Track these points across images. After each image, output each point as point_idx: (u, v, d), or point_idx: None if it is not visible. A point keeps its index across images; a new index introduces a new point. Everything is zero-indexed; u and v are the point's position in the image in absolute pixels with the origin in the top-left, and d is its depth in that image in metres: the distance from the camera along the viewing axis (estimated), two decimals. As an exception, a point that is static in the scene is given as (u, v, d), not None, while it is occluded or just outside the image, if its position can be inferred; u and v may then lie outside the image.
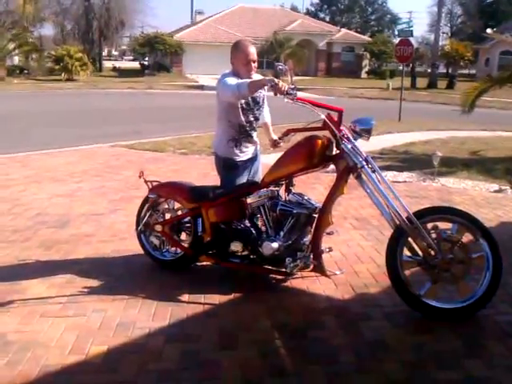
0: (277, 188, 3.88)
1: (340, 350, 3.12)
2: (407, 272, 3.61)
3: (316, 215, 3.76)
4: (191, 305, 3.69)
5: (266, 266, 3.96)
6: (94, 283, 4.02)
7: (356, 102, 24.77)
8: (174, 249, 4.37)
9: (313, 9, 74.34)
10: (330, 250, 3.94)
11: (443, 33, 53.77)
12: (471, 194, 7.00)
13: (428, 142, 11.30)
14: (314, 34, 48.29)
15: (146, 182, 4.34)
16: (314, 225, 3.77)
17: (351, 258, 4.59)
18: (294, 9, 67.63)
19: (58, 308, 3.62)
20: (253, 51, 3.94)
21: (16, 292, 3.84)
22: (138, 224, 4.41)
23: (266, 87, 3.72)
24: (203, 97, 22.79)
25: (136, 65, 47.73)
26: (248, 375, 2.88)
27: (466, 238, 3.55)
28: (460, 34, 60.73)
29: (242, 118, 4.00)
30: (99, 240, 4.98)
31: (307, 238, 3.83)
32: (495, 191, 7.18)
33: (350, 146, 3.55)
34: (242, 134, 4.05)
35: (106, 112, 17.79)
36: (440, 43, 40.09)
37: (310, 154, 3.65)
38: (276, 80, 3.46)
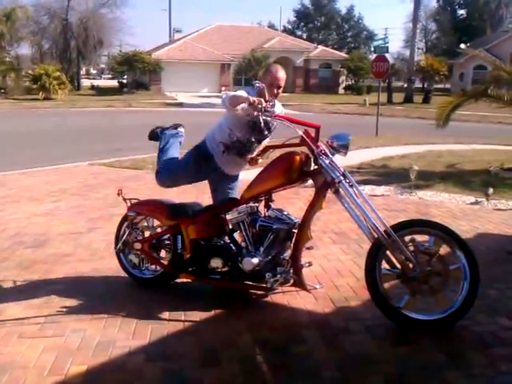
0: (256, 204, 3.89)
1: (322, 365, 3.12)
2: (386, 285, 3.64)
3: (295, 230, 3.76)
4: (172, 322, 3.67)
5: (247, 282, 3.95)
6: (73, 303, 3.98)
7: (334, 118, 25.01)
8: (153, 266, 4.34)
9: (290, 26, 75.26)
10: (310, 264, 3.96)
11: (418, 48, 54.84)
12: (448, 206, 7.09)
13: (405, 156, 11.43)
14: (292, 51, 48.78)
15: (124, 199, 4.33)
16: (293, 240, 3.78)
17: (331, 271, 4.61)
18: (271, 27, 68.35)
19: (36, 329, 3.56)
20: (282, 76, 3.91)
21: (-7, 313, 3.78)
22: (117, 242, 4.39)
23: (245, 104, 3.66)
24: (182, 114, 22.78)
25: (114, 83, 47.58)
26: (230, 392, 2.87)
27: (443, 249, 3.58)
28: (435, 50, 61.96)
29: (243, 134, 3.93)
30: (78, 259, 4.93)
31: (287, 253, 3.84)
32: (472, 203, 7.28)
33: (327, 162, 3.59)
34: (234, 147, 3.97)
35: (84, 131, 17.70)
36: (415, 58, 40.81)
37: (288, 170, 3.68)
38: (252, 99, 3.49)
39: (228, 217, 3.88)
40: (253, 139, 3.95)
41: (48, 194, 7.67)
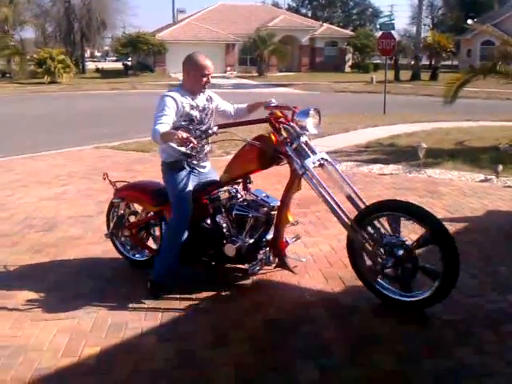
0: (235, 187, 3.87)
1: (332, 344, 3.14)
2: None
3: (275, 212, 3.73)
4: (182, 303, 3.70)
5: (232, 265, 3.94)
6: (85, 285, 4.02)
7: (340, 96, 24.89)
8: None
9: (294, 4, 74.35)
10: (298, 238, 4.02)
11: (425, 25, 54.05)
12: (457, 184, 7.06)
13: (413, 134, 11.35)
14: (297, 29, 48.32)
15: (111, 183, 4.37)
16: (274, 222, 3.76)
17: (341, 251, 4.58)
18: (275, 5, 67.65)
19: (48, 311, 3.60)
20: (210, 63, 3.73)
21: (6, 297, 3.82)
22: (108, 227, 4.45)
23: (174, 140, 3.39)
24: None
25: (119, 65, 47.44)
26: (241, 372, 2.90)
27: (416, 232, 3.51)
28: (441, 26, 61.14)
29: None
30: (88, 242, 4.96)
31: (270, 235, 3.82)
32: (481, 181, 7.24)
33: (294, 147, 3.55)
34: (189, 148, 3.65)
35: (89, 114, 17.70)
36: (422, 35, 40.24)
37: (259, 155, 3.65)
38: (180, 136, 3.26)
39: (209, 201, 3.88)
40: (198, 133, 3.65)
41: (56, 178, 7.69)
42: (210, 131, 3.56)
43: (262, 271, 4.06)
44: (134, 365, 2.96)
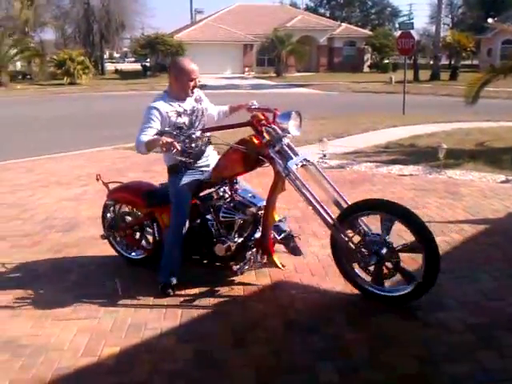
0: (223, 187, 3.91)
1: (351, 346, 3.12)
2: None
3: (261, 212, 3.79)
4: (201, 304, 3.71)
5: (223, 264, 4.02)
6: (105, 285, 4.05)
7: (359, 97, 24.76)
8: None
9: (312, 4, 74.14)
10: (288, 234, 4.01)
11: (444, 24, 53.48)
12: (478, 185, 6.97)
13: (433, 135, 11.24)
14: (315, 29, 48.20)
15: (104, 184, 4.47)
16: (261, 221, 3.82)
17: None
18: (293, 5, 67.50)
19: (69, 311, 3.64)
20: (196, 68, 3.79)
21: (28, 296, 3.87)
22: (104, 228, 4.55)
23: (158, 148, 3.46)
24: (206, 96, 22.68)
25: (138, 66, 47.73)
26: (260, 373, 2.89)
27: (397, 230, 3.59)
28: (461, 25, 60.43)
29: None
30: (108, 242, 4.98)
31: (258, 234, 3.89)
32: (502, 182, 7.15)
33: (276, 149, 3.60)
34: (185, 151, 3.74)
35: (109, 114, 17.81)
36: (441, 34, 39.81)
37: (243, 159, 3.70)
38: (164, 142, 3.34)
39: (198, 202, 3.96)
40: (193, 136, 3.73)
41: (76, 179, 7.76)
42: (193, 136, 3.60)
43: (279, 274, 4.06)
44: (154, 365, 2.98)
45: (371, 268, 3.56)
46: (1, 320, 3.52)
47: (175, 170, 3.88)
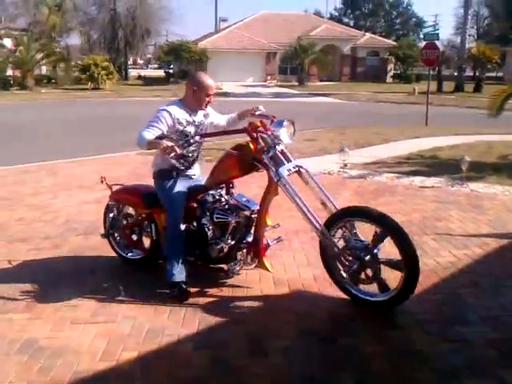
0: (218, 191, 4.04)
1: (371, 358, 3.09)
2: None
3: (255, 215, 3.92)
4: (219, 311, 3.70)
5: (213, 265, 4.13)
6: (124, 289, 4.06)
7: (381, 107, 24.64)
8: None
9: (336, 14, 74.23)
10: (279, 240, 4.21)
11: (469, 35, 52.94)
12: (502, 198, 6.87)
13: (455, 147, 11.12)
14: (339, 38, 48.14)
15: (107, 186, 4.64)
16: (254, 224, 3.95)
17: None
18: (317, 14, 67.55)
19: (88, 314, 3.66)
20: (213, 83, 3.96)
21: (47, 299, 3.90)
22: (104, 228, 4.68)
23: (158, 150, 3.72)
24: (228, 104, 22.84)
25: (161, 73, 48.09)
26: (278, 382, 2.87)
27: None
28: (487, 36, 59.91)
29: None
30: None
31: (250, 237, 4.00)
32: (526, 196, 7.03)
33: (270, 155, 3.73)
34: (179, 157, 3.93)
35: (132, 120, 17.94)
36: (466, 46, 39.52)
37: (239, 163, 3.85)
38: (165, 146, 3.53)
39: (194, 205, 4.09)
40: (191, 148, 4.02)
41: (98, 183, 7.75)
42: (191, 140, 3.82)
43: (298, 283, 4.05)
44: (171, 371, 2.98)
45: (355, 272, 3.65)
46: (20, 322, 3.55)
47: (167, 175, 4.02)
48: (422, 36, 26.55)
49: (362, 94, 32.01)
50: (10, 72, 35.95)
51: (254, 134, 3.79)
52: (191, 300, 3.86)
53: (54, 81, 38.84)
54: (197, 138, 3.88)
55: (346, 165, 8.55)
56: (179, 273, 3.92)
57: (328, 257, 3.79)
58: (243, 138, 3.93)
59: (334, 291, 3.96)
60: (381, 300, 3.63)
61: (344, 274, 3.73)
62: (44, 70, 41.46)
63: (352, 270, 3.61)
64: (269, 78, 45.38)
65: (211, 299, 3.89)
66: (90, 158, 10.20)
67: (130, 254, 4.62)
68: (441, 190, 7.37)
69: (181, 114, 3.89)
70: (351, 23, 69.06)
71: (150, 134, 3.71)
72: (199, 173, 4.28)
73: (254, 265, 4.03)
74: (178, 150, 3.55)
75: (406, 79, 45.28)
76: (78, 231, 5.51)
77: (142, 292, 4.02)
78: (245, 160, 3.80)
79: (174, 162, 3.86)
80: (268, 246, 4.07)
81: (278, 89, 38.39)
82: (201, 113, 4.06)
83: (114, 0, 45.93)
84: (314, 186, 3.80)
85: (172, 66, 47.61)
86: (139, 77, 47.92)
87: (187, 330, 3.44)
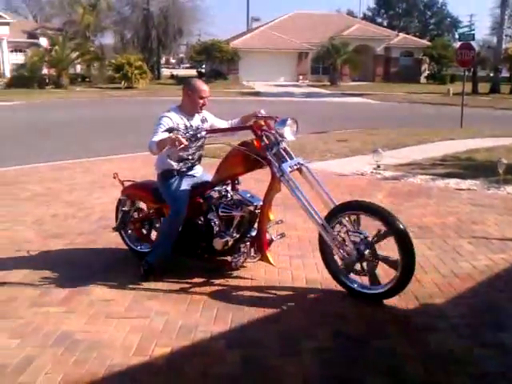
0: (224, 187, 4.23)
1: (405, 361, 3.04)
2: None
3: (258, 211, 4.07)
4: (252, 309, 3.70)
5: (218, 258, 4.29)
6: (158, 286, 4.10)
7: (416, 108, 24.34)
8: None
9: (370, 13, 73.58)
10: (283, 235, 4.37)
11: (506, 35, 51.74)
12: (539, 202, 6.70)
13: (491, 149, 10.89)
14: (372, 38, 47.76)
15: (120, 182, 4.81)
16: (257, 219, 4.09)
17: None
18: (350, 14, 67.11)
19: (122, 309, 3.70)
20: (206, 88, 4.20)
21: (82, 293, 3.96)
22: (116, 221, 4.81)
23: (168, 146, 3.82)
24: (260, 103, 22.86)
25: (193, 72, 48.43)
26: (309, 383, 2.85)
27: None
28: (524, 37, 58.59)
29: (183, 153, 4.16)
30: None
31: (254, 232, 4.15)
32: None
33: (273, 152, 3.91)
34: (181, 159, 4.25)
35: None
36: (503, 46, 38.77)
37: (244, 160, 4.03)
38: (173, 138, 3.68)
39: (202, 200, 4.27)
40: (192, 151, 4.29)
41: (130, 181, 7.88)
42: (198, 135, 4.14)
43: (331, 285, 4.02)
44: (204, 368, 2.98)
45: (354, 265, 3.79)
46: (56, 315, 3.61)
47: (169, 175, 4.23)
48: (456, 36, 26.02)
49: (395, 95, 31.71)
50: (45, 71, 36.68)
51: (259, 132, 3.98)
52: (223, 297, 3.87)
53: (88, 79, 39.48)
54: (203, 133, 4.16)
55: (379, 166, 8.46)
56: (159, 260, 4.26)
57: (326, 247, 3.89)
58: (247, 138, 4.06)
59: (368, 292, 3.93)
60: (370, 293, 3.80)
61: (339, 262, 3.86)
62: (78, 68, 42.21)
63: (349, 261, 3.75)
64: (301, 77, 45.28)
65: (244, 298, 3.89)
66: (125, 155, 10.38)
67: (140, 248, 4.73)
68: (477, 192, 7.22)
69: (179, 119, 4.14)
70: (385, 23, 68.43)
71: (158, 137, 3.90)
72: (201, 171, 4.50)
73: (257, 258, 4.19)
74: (185, 141, 3.69)
75: (441, 80, 44.66)
76: (111, 228, 5.55)
77: (175, 288, 4.05)
78: (249, 157, 3.97)
79: (174, 164, 4.17)
80: (272, 240, 4.23)
81: (310, 89, 38.30)
82: (197, 117, 4.28)
83: (148, 0, 46.41)
84: (314, 182, 3.97)
85: (204, 66, 47.92)
86: (172, 76, 48.32)
87: (220, 327, 3.45)
